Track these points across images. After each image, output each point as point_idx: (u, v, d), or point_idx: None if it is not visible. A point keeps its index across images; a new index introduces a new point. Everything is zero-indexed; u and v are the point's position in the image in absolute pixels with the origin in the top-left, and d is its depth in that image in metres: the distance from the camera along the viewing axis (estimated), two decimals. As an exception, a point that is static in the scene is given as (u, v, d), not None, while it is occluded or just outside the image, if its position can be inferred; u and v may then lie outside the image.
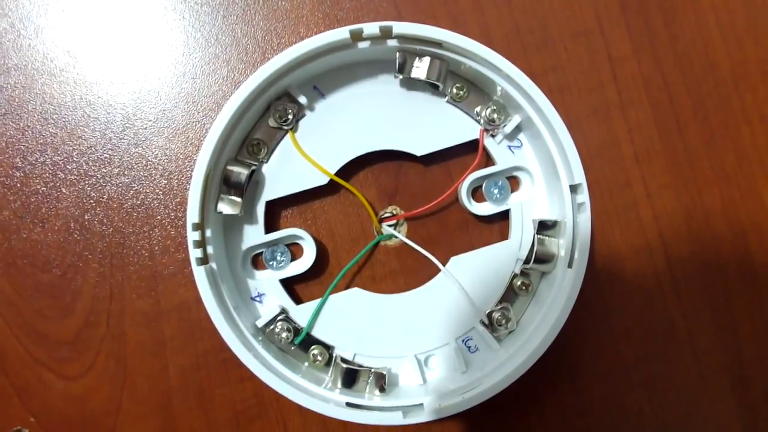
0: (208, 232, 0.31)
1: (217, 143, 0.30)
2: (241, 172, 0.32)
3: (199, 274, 0.30)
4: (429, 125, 0.34)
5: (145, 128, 0.35)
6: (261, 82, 0.31)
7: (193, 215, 0.30)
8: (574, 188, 0.32)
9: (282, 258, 0.34)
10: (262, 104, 0.33)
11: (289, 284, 0.34)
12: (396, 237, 0.35)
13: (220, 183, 0.32)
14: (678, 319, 0.36)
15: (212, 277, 0.31)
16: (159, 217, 0.35)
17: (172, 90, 0.35)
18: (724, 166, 0.37)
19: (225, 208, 0.32)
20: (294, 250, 0.35)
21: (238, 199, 0.32)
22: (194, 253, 0.30)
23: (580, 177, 0.31)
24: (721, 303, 0.36)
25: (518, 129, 0.34)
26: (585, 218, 0.32)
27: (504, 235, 0.35)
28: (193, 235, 0.30)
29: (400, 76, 0.33)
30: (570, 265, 0.32)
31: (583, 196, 0.32)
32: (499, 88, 0.33)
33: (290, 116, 0.33)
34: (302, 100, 0.33)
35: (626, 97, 0.37)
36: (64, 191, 0.35)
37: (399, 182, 0.36)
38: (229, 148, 0.32)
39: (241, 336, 0.30)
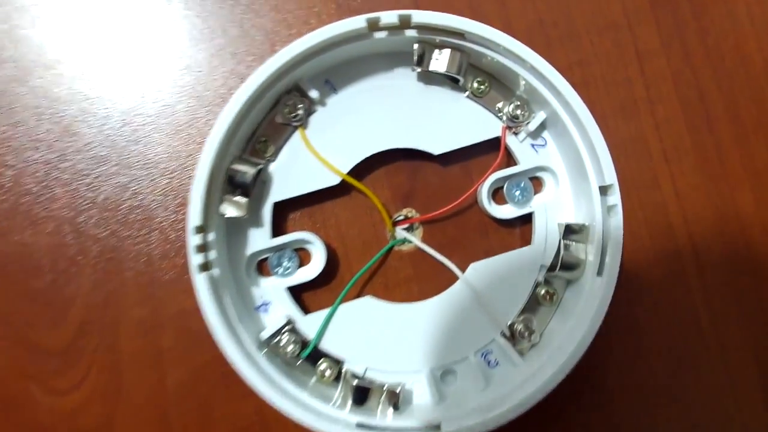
0: (211, 236, 0.29)
1: (222, 140, 0.28)
2: (247, 171, 0.30)
3: (200, 281, 0.28)
4: (448, 122, 0.32)
5: (145, 124, 0.33)
6: (269, 76, 0.29)
7: (195, 217, 0.28)
8: (604, 189, 0.30)
9: (289, 264, 0.32)
10: (270, 99, 0.31)
11: (296, 292, 0.32)
12: (411, 241, 0.33)
13: (225, 183, 0.30)
14: (709, 330, 0.34)
15: (214, 285, 0.28)
16: (158, 219, 0.33)
17: (174, 84, 0.33)
18: (756, 164, 0.35)
19: (229, 210, 0.30)
20: (302, 256, 0.32)
21: (244, 201, 0.30)
22: (195, 259, 0.28)
23: (611, 177, 0.29)
24: (755, 312, 0.34)
25: (543, 126, 0.32)
26: (616, 222, 0.29)
27: (527, 240, 0.32)
28: (194, 239, 0.28)
29: (418, 69, 0.31)
30: (600, 273, 0.29)
31: (615, 198, 0.29)
32: (522, 82, 0.31)
33: (300, 112, 0.31)
34: (313, 94, 0.31)
35: (654, 93, 0.35)
36: (57, 191, 0.33)
37: (415, 183, 0.33)
38: (235, 145, 0.30)
39: (242, 350, 0.28)
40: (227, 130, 0.28)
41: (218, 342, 0.28)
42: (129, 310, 0.32)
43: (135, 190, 0.33)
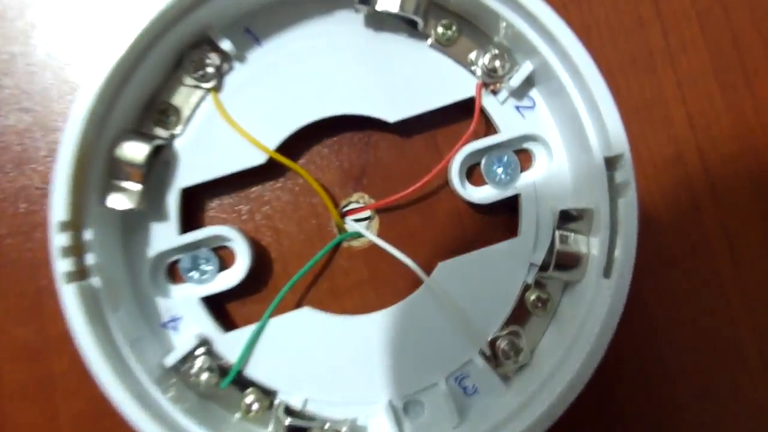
0: (88, 235, 0.22)
1: (93, 107, 0.21)
2: (140, 148, 0.23)
3: (68, 294, 0.21)
4: (406, 80, 0.25)
5: None
6: (157, 18, 0.21)
7: (58, 210, 0.21)
8: (611, 163, 0.22)
9: (207, 267, 0.25)
10: (169, 53, 0.23)
11: (216, 304, 0.25)
12: (363, 235, 0.26)
13: (108, 164, 0.23)
14: (748, 339, 0.27)
15: (91, 298, 0.21)
16: (42, 213, 0.26)
17: (34, 30, 0.26)
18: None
19: (116, 200, 0.23)
20: (224, 256, 0.25)
21: (137, 187, 0.23)
22: (61, 266, 0.21)
23: (621, 145, 0.22)
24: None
25: (530, 82, 0.25)
26: (629, 204, 0.22)
27: (512, 231, 0.25)
28: (59, 239, 0.21)
29: (363, 10, 0.24)
30: (607, 274, 0.22)
31: (626, 173, 0.22)
32: (503, 24, 0.23)
33: (210, 70, 0.24)
34: (227, 47, 0.24)
35: (675, 40, 0.27)
36: None
37: (367, 160, 0.26)
38: (120, 114, 0.23)
39: (131, 384, 0.21)
40: (101, 93, 0.21)
41: (94, 375, 0.21)
42: (10, 330, 0.26)
43: (12, 175, 0.26)
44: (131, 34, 0.21)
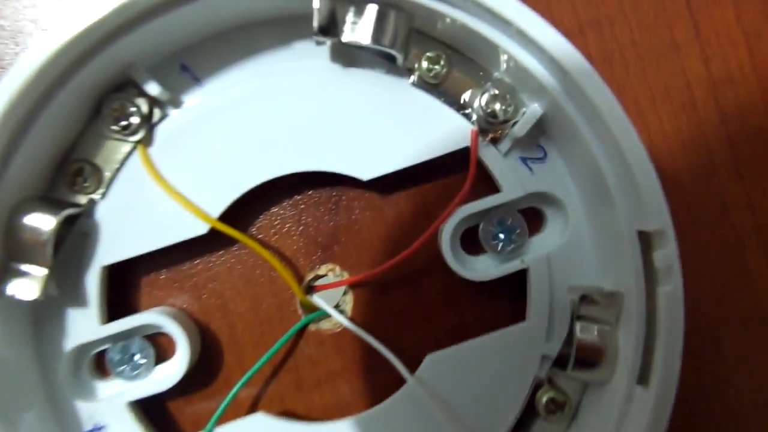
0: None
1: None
2: (45, 220, 0.18)
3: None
4: (383, 128, 0.20)
5: None
6: (58, 52, 0.17)
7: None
8: (648, 238, 0.17)
9: (140, 360, 0.20)
10: (83, 97, 0.19)
11: (151, 406, 0.21)
12: (335, 317, 0.21)
13: (5, 243, 0.18)
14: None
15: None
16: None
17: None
18: None
19: (16, 288, 0.18)
20: (164, 343, 0.21)
21: (41, 272, 0.18)
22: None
23: (661, 218, 0.17)
24: None
25: (539, 129, 0.20)
26: (672, 296, 0.17)
27: (519, 314, 0.20)
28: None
29: (326, 42, 0.19)
30: (643, 381, 0.17)
31: (668, 255, 0.17)
32: (503, 57, 0.18)
33: (136, 119, 0.19)
34: (154, 90, 0.19)
35: (719, 68, 0.22)
36: None
37: (338, 224, 0.21)
38: (18, 177, 0.18)
39: None
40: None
41: None
42: None
43: None
44: (22, 72, 0.17)
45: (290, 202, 0.21)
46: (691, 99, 0.22)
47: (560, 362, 0.19)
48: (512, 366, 0.20)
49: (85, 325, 0.20)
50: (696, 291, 0.21)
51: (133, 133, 0.19)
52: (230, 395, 0.20)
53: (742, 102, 0.22)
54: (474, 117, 0.20)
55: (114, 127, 0.19)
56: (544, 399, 0.20)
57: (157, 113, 0.19)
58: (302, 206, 0.21)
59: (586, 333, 0.19)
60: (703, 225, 0.21)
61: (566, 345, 0.19)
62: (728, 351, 0.21)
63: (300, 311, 0.21)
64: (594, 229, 0.20)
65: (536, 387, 0.20)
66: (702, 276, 0.21)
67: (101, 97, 0.19)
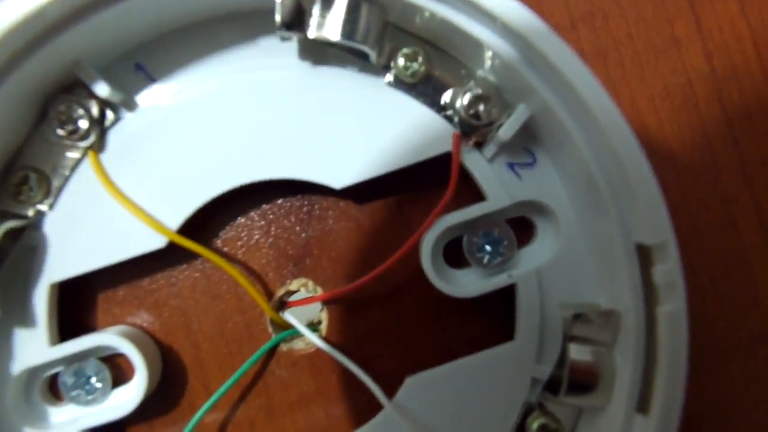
0: None
1: None
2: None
3: None
4: (357, 131, 0.18)
5: None
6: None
7: None
8: (647, 252, 0.16)
9: (97, 384, 0.19)
10: (26, 98, 0.17)
11: (116, 428, 0.19)
12: (307, 336, 0.19)
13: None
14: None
15: None
16: None
17: None
18: None
19: (-49, 309, 0.16)
20: (123, 364, 0.19)
21: (-20, 290, 0.16)
22: None
23: (661, 229, 0.15)
24: None
25: (528, 132, 0.18)
26: (674, 317, 0.15)
27: (506, 333, 0.19)
28: None
29: (291, 38, 0.17)
30: (643, 408, 0.16)
31: (670, 271, 0.15)
32: (488, 54, 0.17)
33: (84, 123, 0.17)
34: (103, 91, 0.17)
35: (723, 64, 0.20)
36: None
37: (310, 235, 0.20)
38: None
39: None
40: None
41: None
42: None
43: None
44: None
45: (258, 212, 0.20)
46: (693, 98, 0.21)
47: (552, 386, 0.18)
48: (499, 390, 0.18)
49: (33, 346, 0.18)
50: (700, 309, 0.19)
51: (83, 138, 0.18)
52: (194, 420, 0.18)
53: (748, 100, 0.20)
54: (456, 119, 0.18)
55: (60, 132, 0.17)
56: (535, 426, 0.18)
57: (109, 116, 0.18)
58: (271, 216, 0.20)
59: (580, 354, 0.17)
60: (708, 236, 0.20)
61: (558, 367, 0.18)
62: (736, 374, 0.19)
63: (270, 330, 0.20)
64: (588, 241, 0.18)
65: (526, 413, 0.19)
66: (706, 292, 0.19)
67: (47, 98, 0.17)
